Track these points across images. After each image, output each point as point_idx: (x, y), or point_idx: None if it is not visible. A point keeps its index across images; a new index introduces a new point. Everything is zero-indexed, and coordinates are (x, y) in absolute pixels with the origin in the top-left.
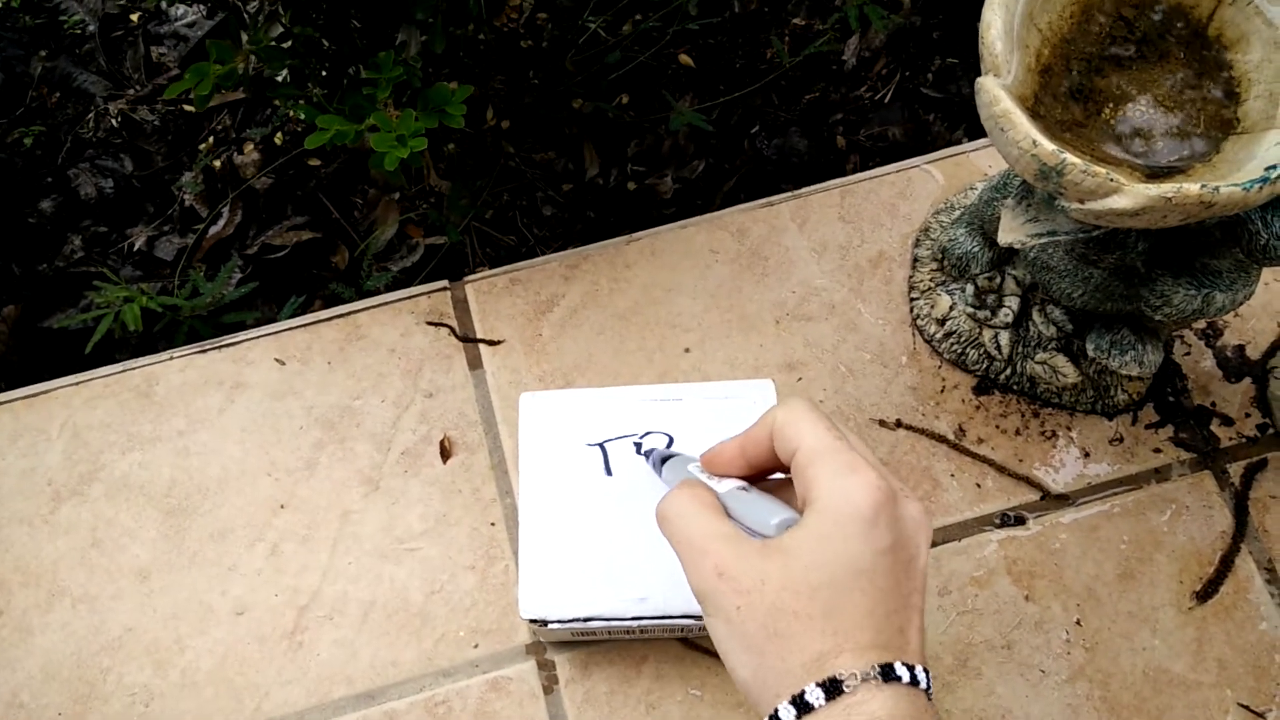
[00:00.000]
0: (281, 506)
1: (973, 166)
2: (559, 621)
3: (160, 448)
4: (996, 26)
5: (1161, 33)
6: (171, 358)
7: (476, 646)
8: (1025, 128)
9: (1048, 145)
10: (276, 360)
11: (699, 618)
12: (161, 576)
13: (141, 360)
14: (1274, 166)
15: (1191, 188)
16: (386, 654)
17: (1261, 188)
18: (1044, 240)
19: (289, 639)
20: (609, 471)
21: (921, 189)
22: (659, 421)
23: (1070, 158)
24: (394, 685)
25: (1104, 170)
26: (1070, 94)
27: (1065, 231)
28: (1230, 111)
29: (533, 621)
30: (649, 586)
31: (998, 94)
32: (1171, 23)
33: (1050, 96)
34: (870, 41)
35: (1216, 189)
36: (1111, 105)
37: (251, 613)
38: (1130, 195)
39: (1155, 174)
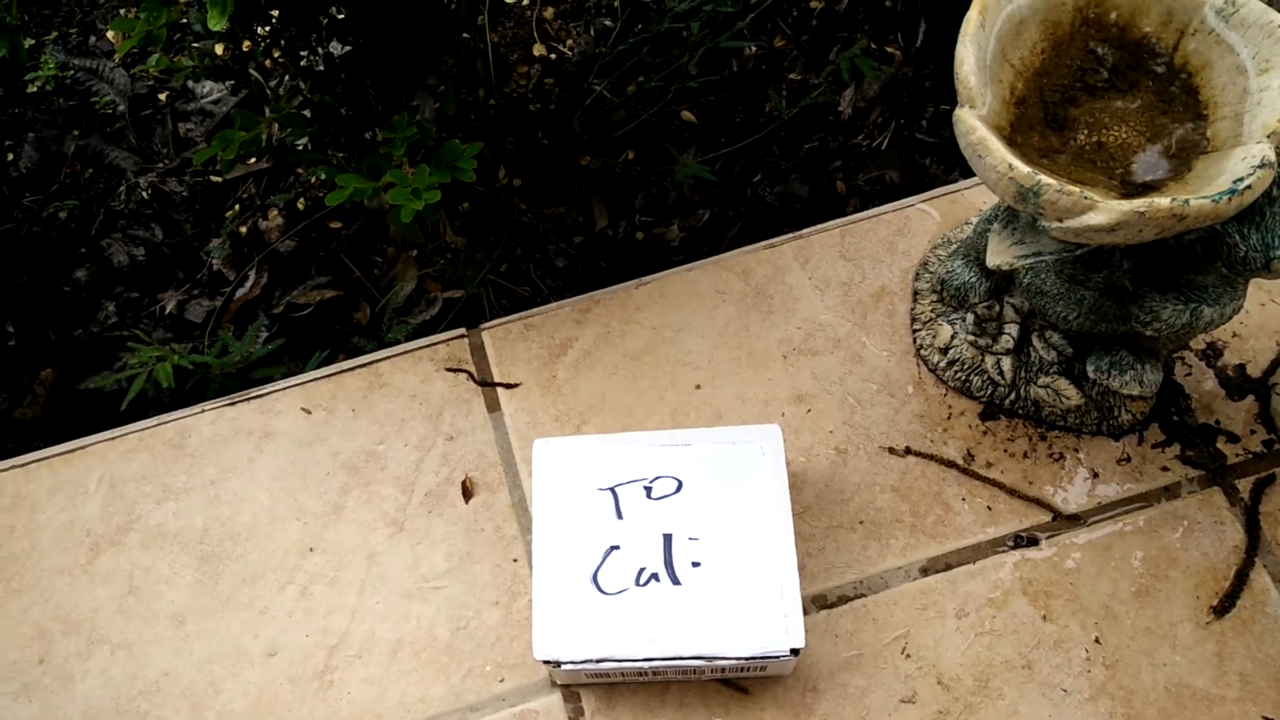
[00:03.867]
0: (310, 550)
1: (967, 203)
2: (572, 663)
3: (193, 497)
4: (969, 62)
5: (1130, 64)
6: (203, 410)
7: (503, 681)
8: (1001, 153)
9: (1023, 168)
10: (303, 410)
11: (709, 659)
12: (196, 621)
13: (174, 414)
14: (1241, 179)
15: (1162, 202)
16: (415, 691)
17: (1230, 199)
18: (1030, 261)
19: (320, 679)
20: (620, 515)
21: (919, 226)
22: (668, 466)
23: (1045, 178)
24: None
25: (1078, 189)
26: (1046, 123)
27: (1049, 252)
28: (1199, 133)
29: (546, 662)
30: (659, 628)
31: (973, 123)
32: (1139, 54)
33: (1027, 126)
34: (865, 92)
35: (1187, 202)
36: (1086, 132)
37: (283, 654)
38: (1105, 211)
39: (1130, 193)
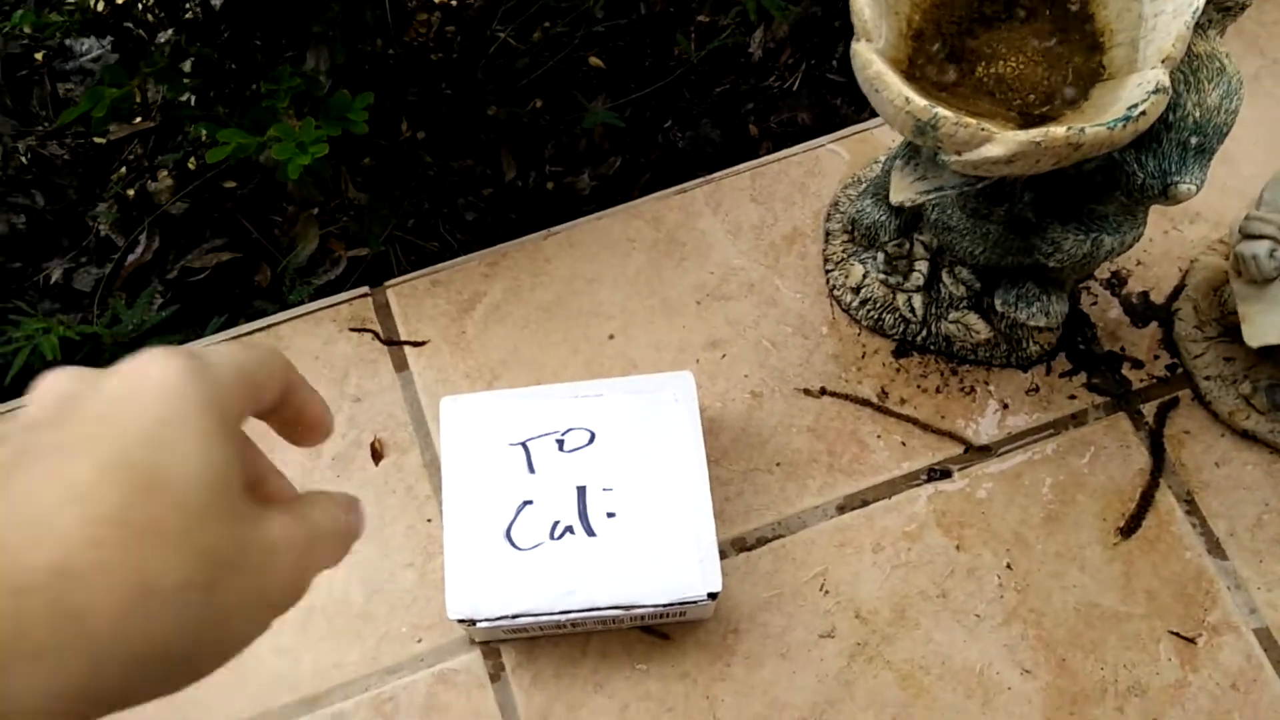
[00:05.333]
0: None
1: (876, 142)
2: (487, 620)
3: None
4: None
5: None
6: None
7: (420, 641)
8: (898, 87)
9: (920, 101)
10: None
11: (627, 608)
12: None
13: None
14: (1135, 105)
15: (1058, 131)
16: (330, 657)
17: (1125, 125)
18: (932, 196)
19: None
20: (532, 470)
21: (829, 166)
22: (580, 418)
23: (942, 111)
24: (339, 687)
25: (975, 121)
26: (944, 56)
27: (951, 186)
28: (1096, 61)
29: (461, 621)
30: (575, 580)
31: (869, 58)
32: None
33: (924, 59)
34: (775, 33)
35: (1082, 130)
36: (984, 64)
37: None
38: (1002, 143)
39: (1028, 124)
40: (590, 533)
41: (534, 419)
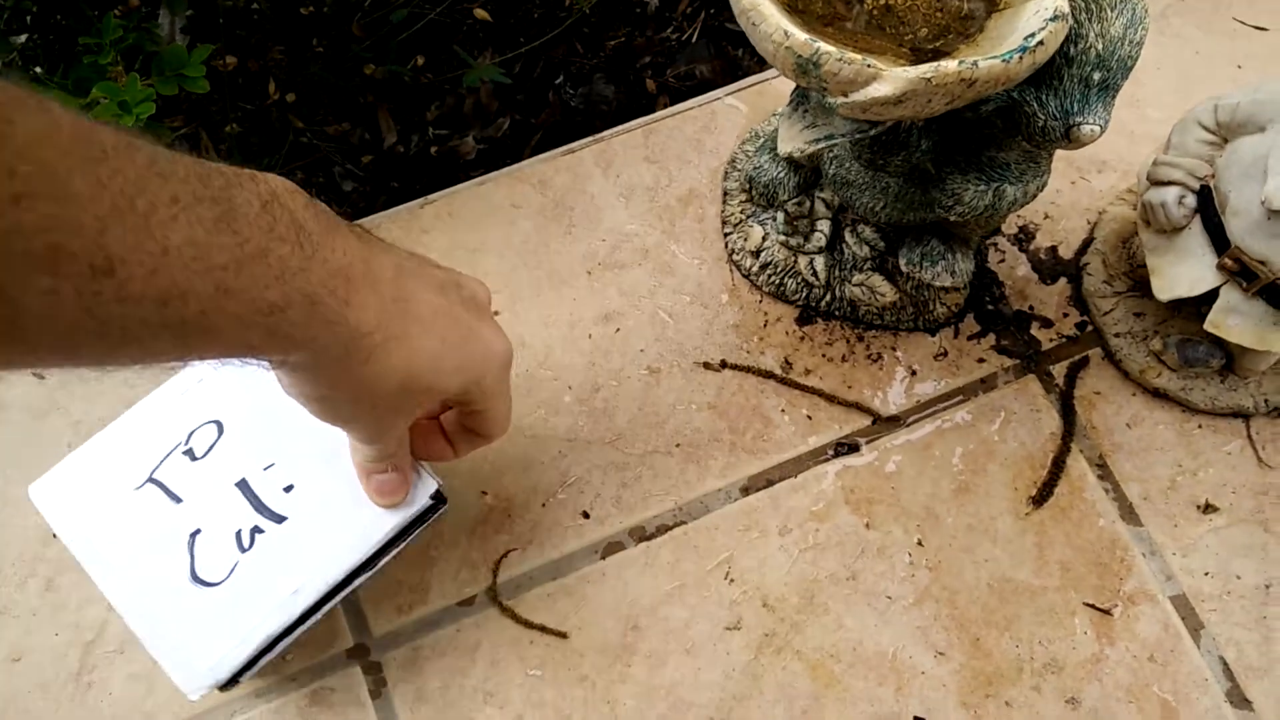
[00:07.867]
0: (54, 535)
1: (776, 94)
2: (233, 673)
3: None
4: None
5: None
6: None
7: (289, 658)
8: (776, 19)
9: (800, 35)
10: (35, 375)
11: (365, 560)
12: None
13: None
14: (1032, 35)
15: (950, 65)
16: None
17: (1022, 57)
18: (822, 144)
19: (75, 681)
20: (177, 499)
21: (726, 121)
22: (194, 416)
23: (825, 46)
24: (199, 716)
25: (860, 57)
26: None
27: (841, 133)
28: None
29: (221, 688)
30: (295, 574)
31: None
32: None
33: None
34: None
35: (975, 64)
36: None
37: (30, 657)
38: (890, 81)
39: (921, 59)
40: (279, 519)
41: (143, 449)
